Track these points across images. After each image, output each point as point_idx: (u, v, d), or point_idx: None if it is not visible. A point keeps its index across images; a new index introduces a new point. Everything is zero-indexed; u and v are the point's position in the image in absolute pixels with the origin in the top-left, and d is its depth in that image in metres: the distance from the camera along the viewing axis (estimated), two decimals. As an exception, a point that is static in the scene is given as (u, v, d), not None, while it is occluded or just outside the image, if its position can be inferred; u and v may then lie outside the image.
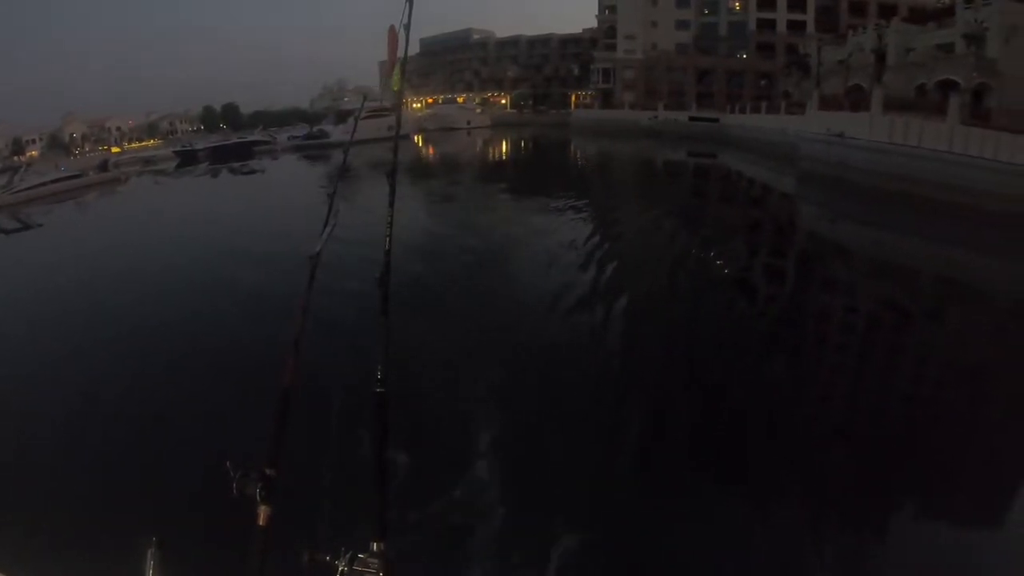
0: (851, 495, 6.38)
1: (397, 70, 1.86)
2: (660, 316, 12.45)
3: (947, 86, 28.25)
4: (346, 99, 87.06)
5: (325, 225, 1.85)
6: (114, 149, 64.03)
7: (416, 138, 61.16)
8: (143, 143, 72.23)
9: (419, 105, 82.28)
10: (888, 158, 23.36)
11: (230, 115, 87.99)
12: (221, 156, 52.03)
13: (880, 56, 36.70)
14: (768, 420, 7.95)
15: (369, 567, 1.61)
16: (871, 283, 15.89)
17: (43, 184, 35.25)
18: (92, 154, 60.11)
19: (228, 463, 1.64)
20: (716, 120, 52.01)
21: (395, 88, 1.89)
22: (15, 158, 59.71)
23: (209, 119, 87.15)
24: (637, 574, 5.34)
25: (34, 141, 68.79)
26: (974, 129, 21.29)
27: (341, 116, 62.58)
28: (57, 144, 68.49)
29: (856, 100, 29.08)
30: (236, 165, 47.11)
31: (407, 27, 1.79)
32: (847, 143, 25.83)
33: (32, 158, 57.47)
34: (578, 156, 51.83)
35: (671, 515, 6.02)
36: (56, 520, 5.57)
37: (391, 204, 1.87)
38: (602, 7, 69.03)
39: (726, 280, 15.52)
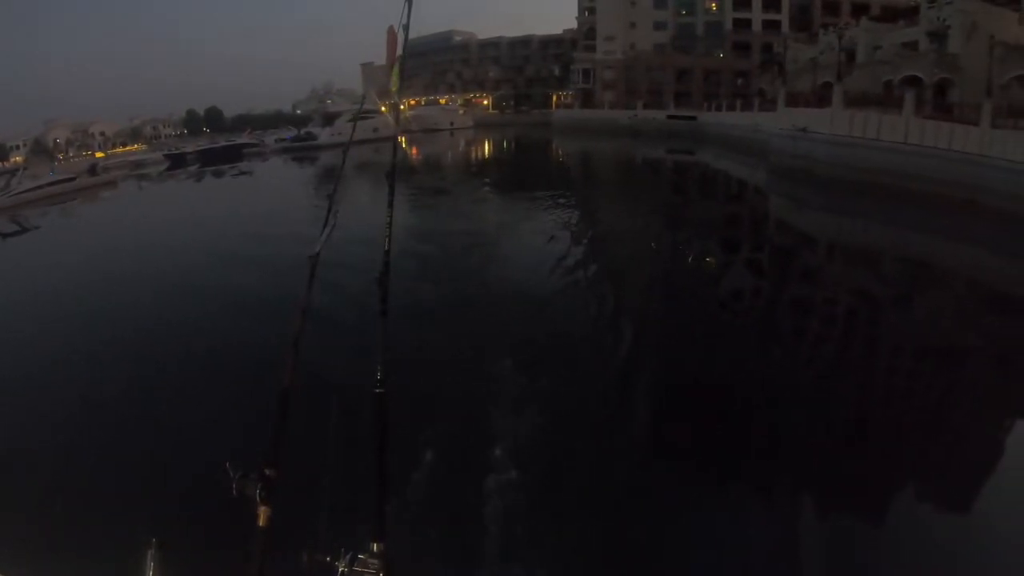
0: (842, 482, 6.37)
1: (396, 70, 1.83)
2: (640, 302, 12.72)
3: (912, 82, 28.72)
4: (328, 101, 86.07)
5: (324, 226, 1.82)
6: (98, 154, 62.61)
7: (400, 139, 60.54)
8: (127, 148, 70.74)
9: (402, 107, 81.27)
10: (849, 150, 24.11)
11: (213, 119, 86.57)
12: (210, 159, 51.27)
13: (850, 54, 37.21)
14: (746, 402, 8.04)
15: (369, 567, 1.59)
16: (831, 267, 16.65)
17: (39, 187, 35.26)
18: (76, 159, 58.80)
19: (228, 464, 1.61)
20: (693, 118, 52.33)
21: (394, 88, 1.86)
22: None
23: (192, 123, 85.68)
24: (637, 570, 5.26)
25: (18, 147, 67.08)
26: (928, 122, 22.15)
27: (328, 118, 62.10)
28: (41, 149, 66.84)
29: (823, 96, 29.53)
30: (226, 167, 46.47)
31: (406, 27, 1.76)
32: (811, 137, 26.48)
33: (16, 164, 56.05)
34: (560, 154, 51.85)
35: (670, 511, 5.97)
36: (56, 520, 5.44)
37: (390, 204, 1.84)
38: (582, 9, 69.01)
39: (699, 267, 16.12)
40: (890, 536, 5.67)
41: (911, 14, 35.63)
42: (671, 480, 6.48)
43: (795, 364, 10.00)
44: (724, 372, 9.15)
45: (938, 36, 30.64)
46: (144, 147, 70.06)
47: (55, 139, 70.61)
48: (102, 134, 76.25)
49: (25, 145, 67.90)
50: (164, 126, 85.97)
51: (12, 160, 61.07)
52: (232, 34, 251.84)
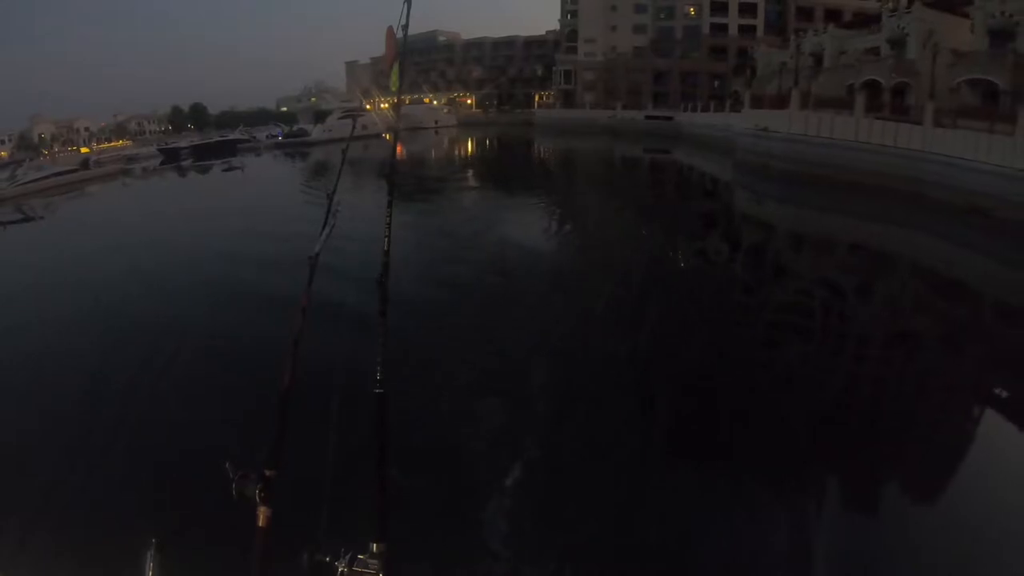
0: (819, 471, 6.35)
1: (395, 69, 1.79)
2: (613, 287, 13.00)
3: (872, 86, 29.30)
4: (313, 99, 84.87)
5: (324, 226, 1.76)
6: (83, 149, 60.74)
7: (386, 136, 60.00)
8: (111, 143, 68.77)
9: (386, 105, 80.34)
10: (804, 147, 25.12)
11: (198, 115, 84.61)
12: (204, 154, 50.17)
13: (819, 59, 37.81)
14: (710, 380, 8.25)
15: (369, 568, 1.56)
16: (787, 251, 17.76)
17: (43, 178, 36.16)
18: (61, 154, 57.00)
19: (228, 464, 1.57)
20: (670, 118, 52.66)
21: (394, 88, 1.82)
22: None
23: (177, 119, 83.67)
24: (640, 569, 5.10)
25: (2, 142, 64.89)
26: (876, 121, 23.27)
27: (319, 115, 61.82)
28: (27, 145, 64.71)
29: (787, 98, 30.07)
30: (219, 162, 45.47)
31: (405, 28, 1.72)
32: (770, 136, 27.38)
33: (1, 158, 54.32)
34: (542, 152, 51.81)
35: (664, 509, 5.78)
36: (56, 520, 5.26)
37: (390, 205, 1.79)
38: (564, 11, 68.78)
39: (666, 255, 16.80)
40: (889, 532, 5.54)
41: (878, 21, 36.26)
42: (664, 472, 6.39)
43: (735, 333, 10.37)
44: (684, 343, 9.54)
45: (898, 43, 31.24)
46: (129, 143, 68.20)
47: (40, 134, 68.44)
48: (87, 129, 74.18)
49: (10, 140, 65.73)
50: (149, 122, 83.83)
51: (-2, 154, 59.02)
52: (222, 33, 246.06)
